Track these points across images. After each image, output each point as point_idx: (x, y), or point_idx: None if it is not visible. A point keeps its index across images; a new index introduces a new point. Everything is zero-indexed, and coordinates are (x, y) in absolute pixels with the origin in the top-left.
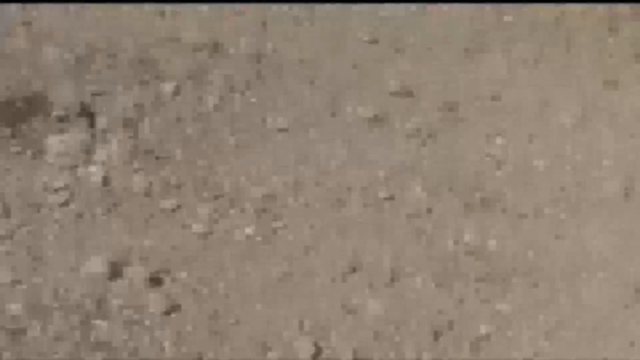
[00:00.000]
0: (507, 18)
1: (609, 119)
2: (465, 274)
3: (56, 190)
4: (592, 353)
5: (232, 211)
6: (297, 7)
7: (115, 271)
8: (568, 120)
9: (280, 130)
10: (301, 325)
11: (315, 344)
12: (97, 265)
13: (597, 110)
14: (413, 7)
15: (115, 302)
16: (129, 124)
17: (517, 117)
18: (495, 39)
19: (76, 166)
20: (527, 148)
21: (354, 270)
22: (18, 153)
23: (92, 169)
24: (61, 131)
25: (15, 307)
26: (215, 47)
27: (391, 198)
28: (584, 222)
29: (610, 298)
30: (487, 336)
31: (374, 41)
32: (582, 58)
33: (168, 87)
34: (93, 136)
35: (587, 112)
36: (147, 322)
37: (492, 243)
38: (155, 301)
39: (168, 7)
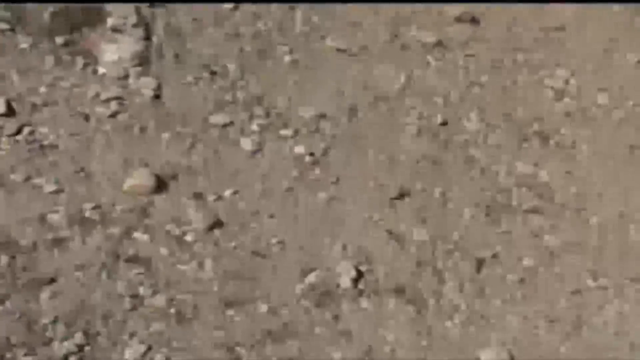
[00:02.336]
0: None
1: None
2: (515, 206)
3: (106, 101)
4: (635, 293)
5: (283, 130)
6: None
7: (160, 185)
8: (633, 57)
9: (339, 51)
10: (344, 249)
11: (357, 269)
12: (142, 178)
13: None
14: None
15: (157, 217)
16: (186, 38)
17: (581, 51)
18: None
19: (128, 77)
20: (589, 83)
21: (402, 196)
22: (70, 62)
23: (145, 80)
24: (115, 41)
25: (56, 217)
26: None
27: (446, 126)
28: None
29: None
30: (532, 269)
31: None
32: None
33: (228, 3)
34: (147, 48)
35: None
36: (188, 238)
37: (544, 176)
38: (198, 217)
39: None
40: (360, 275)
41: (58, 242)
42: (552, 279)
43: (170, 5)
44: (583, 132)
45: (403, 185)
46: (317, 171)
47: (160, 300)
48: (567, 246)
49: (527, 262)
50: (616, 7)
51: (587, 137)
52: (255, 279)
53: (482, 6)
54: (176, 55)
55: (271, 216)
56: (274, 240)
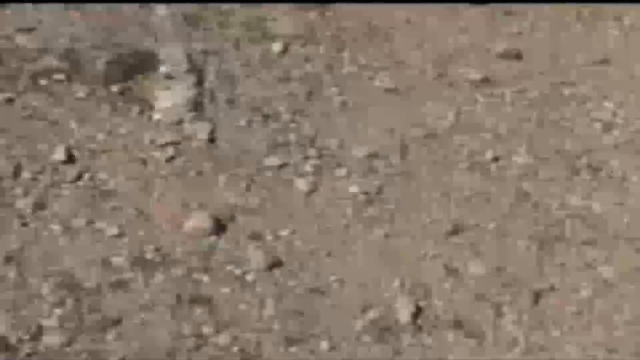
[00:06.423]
0: None
1: None
2: (569, 238)
3: (163, 146)
4: None
5: (337, 170)
6: None
7: (218, 227)
8: None
9: (388, 91)
10: (402, 285)
11: (416, 305)
12: (201, 220)
13: None
14: None
15: (217, 258)
16: (237, 82)
17: (626, 82)
18: (608, 6)
19: (183, 122)
20: (636, 113)
21: (456, 232)
22: (126, 109)
23: (199, 125)
24: (169, 88)
25: (119, 260)
26: (323, 6)
27: (497, 161)
28: None
29: None
30: (589, 300)
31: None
32: None
33: (276, 46)
34: (200, 93)
35: None
36: (248, 278)
37: (597, 208)
38: (257, 257)
39: None
40: (419, 310)
41: (121, 284)
42: (609, 309)
43: (220, 51)
44: (633, 162)
45: (457, 221)
46: (372, 209)
47: (223, 339)
48: (622, 276)
49: (583, 293)
50: None
51: (637, 168)
52: (315, 316)
53: (525, 42)
54: (228, 100)
55: (329, 254)
56: (332, 278)
